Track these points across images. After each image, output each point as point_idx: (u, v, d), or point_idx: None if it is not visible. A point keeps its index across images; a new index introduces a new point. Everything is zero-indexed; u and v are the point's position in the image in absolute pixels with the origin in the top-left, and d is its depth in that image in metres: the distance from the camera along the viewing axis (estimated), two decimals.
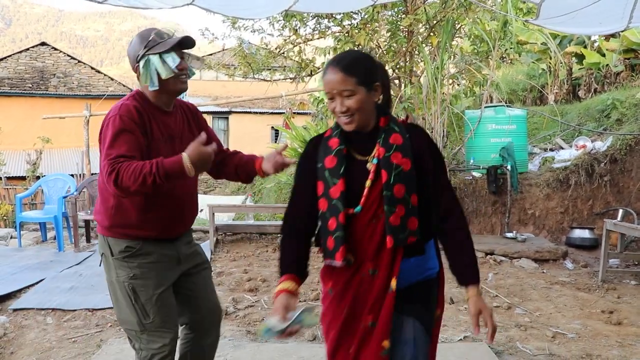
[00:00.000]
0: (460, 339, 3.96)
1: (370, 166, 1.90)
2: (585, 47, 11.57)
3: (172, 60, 2.23)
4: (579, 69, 11.93)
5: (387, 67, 8.31)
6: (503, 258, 6.18)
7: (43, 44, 25.23)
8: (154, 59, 2.22)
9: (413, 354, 1.90)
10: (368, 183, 1.87)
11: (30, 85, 23.71)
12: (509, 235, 6.84)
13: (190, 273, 2.45)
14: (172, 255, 2.37)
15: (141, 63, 2.24)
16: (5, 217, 10.99)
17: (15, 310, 4.46)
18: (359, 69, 1.86)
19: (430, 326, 1.98)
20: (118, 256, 2.29)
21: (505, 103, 8.42)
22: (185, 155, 2.03)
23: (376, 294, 1.87)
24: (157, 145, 2.25)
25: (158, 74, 2.23)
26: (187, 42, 2.29)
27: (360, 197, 1.88)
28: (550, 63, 11.46)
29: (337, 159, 1.90)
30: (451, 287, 5.17)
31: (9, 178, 16.32)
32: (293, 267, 1.97)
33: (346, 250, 1.87)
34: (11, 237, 7.68)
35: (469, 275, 1.94)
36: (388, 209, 1.84)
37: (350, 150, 1.94)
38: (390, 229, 1.84)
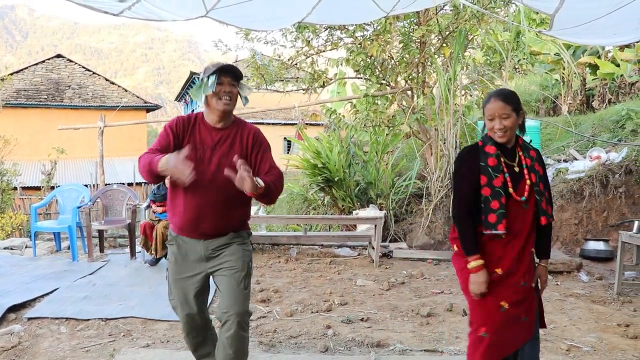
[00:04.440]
0: None
1: (517, 169, 2.66)
2: (599, 57, 11.51)
3: (212, 81, 2.71)
4: (593, 79, 11.87)
5: (399, 79, 8.34)
6: None
7: (58, 56, 25.61)
8: (201, 84, 2.76)
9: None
10: (528, 182, 2.63)
11: (46, 97, 24.03)
12: None
13: (216, 273, 2.85)
14: (199, 252, 2.82)
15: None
16: (20, 227, 11.09)
17: (29, 319, 4.49)
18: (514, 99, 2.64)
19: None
20: (168, 239, 2.95)
21: None
22: (164, 158, 2.51)
23: (527, 264, 2.66)
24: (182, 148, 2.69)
25: (204, 93, 2.74)
26: (226, 68, 2.74)
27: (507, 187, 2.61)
28: (563, 74, 11.42)
29: (497, 160, 2.63)
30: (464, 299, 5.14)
31: (24, 188, 16.51)
32: (476, 247, 2.62)
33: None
34: (26, 247, 7.74)
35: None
36: (539, 198, 2.63)
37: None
38: (542, 211, 2.64)
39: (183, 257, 2.85)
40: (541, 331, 4.32)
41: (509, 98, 2.61)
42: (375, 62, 8.24)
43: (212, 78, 2.72)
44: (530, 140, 7.51)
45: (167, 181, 2.95)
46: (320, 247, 7.40)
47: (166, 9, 3.84)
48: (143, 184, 16.79)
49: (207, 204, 2.75)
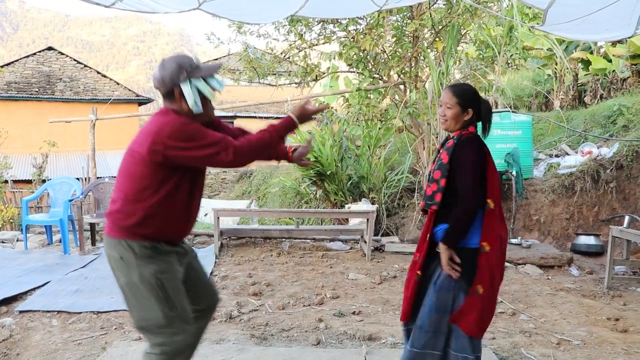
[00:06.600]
0: None
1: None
2: (591, 52, 11.55)
3: (218, 83, 2.38)
4: (585, 74, 11.92)
5: (392, 73, 8.34)
6: (508, 264, 6.15)
7: (50, 48, 25.37)
8: (199, 83, 2.33)
9: (431, 296, 2.70)
10: (427, 172, 2.79)
11: (37, 90, 23.83)
12: (514, 241, 6.82)
13: (190, 266, 2.59)
14: (181, 253, 2.52)
15: (185, 86, 2.31)
16: (11, 220, 11.03)
17: (21, 312, 4.48)
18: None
19: (460, 289, 2.64)
20: (143, 255, 2.36)
21: (511, 109, 8.42)
22: (292, 115, 2.48)
23: (422, 241, 2.83)
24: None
25: (202, 97, 2.35)
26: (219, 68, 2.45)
27: None
28: (556, 69, 11.46)
29: (439, 149, 2.86)
30: None
31: (15, 181, 16.40)
32: None
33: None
34: (17, 240, 7.70)
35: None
36: (429, 185, 2.77)
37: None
38: (423, 196, 2.83)
39: (175, 263, 2.46)
40: (532, 325, 4.38)
41: (459, 92, 2.72)
42: (368, 56, 8.24)
43: (218, 80, 2.39)
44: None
45: (154, 187, 2.34)
46: (313, 240, 7.41)
47: (158, 1, 3.82)
48: None
49: (199, 201, 2.56)
